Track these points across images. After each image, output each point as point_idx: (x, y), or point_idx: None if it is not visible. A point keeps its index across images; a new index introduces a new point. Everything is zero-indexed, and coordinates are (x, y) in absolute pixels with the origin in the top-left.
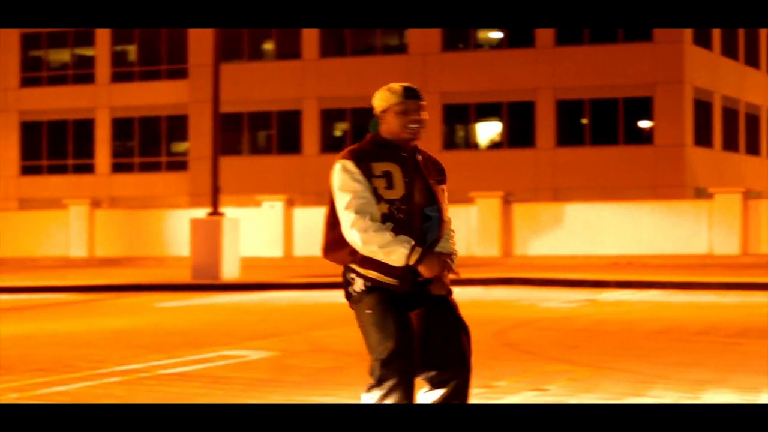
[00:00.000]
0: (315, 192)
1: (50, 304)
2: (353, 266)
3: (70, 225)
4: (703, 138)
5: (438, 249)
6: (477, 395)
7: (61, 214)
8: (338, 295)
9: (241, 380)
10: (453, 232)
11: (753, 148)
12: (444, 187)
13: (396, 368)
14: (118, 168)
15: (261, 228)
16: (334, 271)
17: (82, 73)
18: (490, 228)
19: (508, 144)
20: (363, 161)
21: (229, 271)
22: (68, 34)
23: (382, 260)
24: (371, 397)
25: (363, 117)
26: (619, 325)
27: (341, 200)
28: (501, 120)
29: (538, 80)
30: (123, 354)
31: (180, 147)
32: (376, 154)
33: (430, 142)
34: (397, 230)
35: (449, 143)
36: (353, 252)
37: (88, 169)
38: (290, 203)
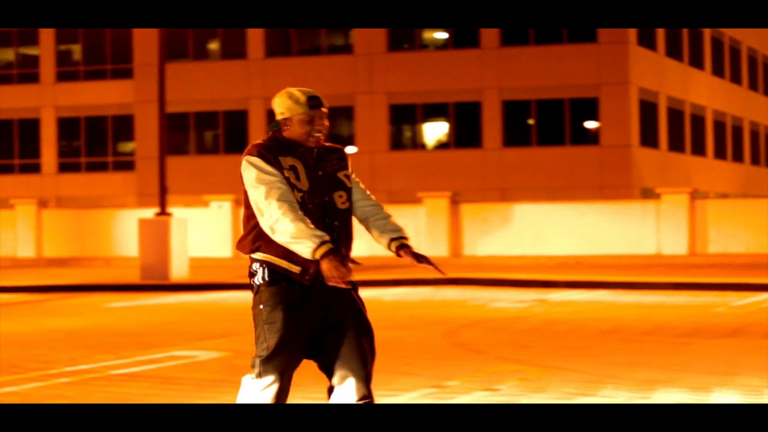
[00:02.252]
0: None
1: None
2: (257, 255)
3: (17, 225)
4: (648, 139)
5: (380, 228)
6: (428, 395)
7: (8, 214)
8: None
9: (192, 381)
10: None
11: (699, 149)
12: (346, 172)
13: (273, 366)
14: (64, 168)
15: (209, 228)
16: None
17: (26, 72)
18: (438, 228)
19: (455, 144)
20: (271, 155)
21: (178, 272)
22: (12, 33)
23: (294, 250)
24: (250, 383)
25: None
26: (568, 325)
27: (259, 193)
28: (447, 120)
29: (484, 81)
30: (72, 355)
31: (126, 147)
32: (280, 150)
33: (377, 142)
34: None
35: (396, 143)
36: (255, 240)
37: (35, 168)
38: (238, 203)
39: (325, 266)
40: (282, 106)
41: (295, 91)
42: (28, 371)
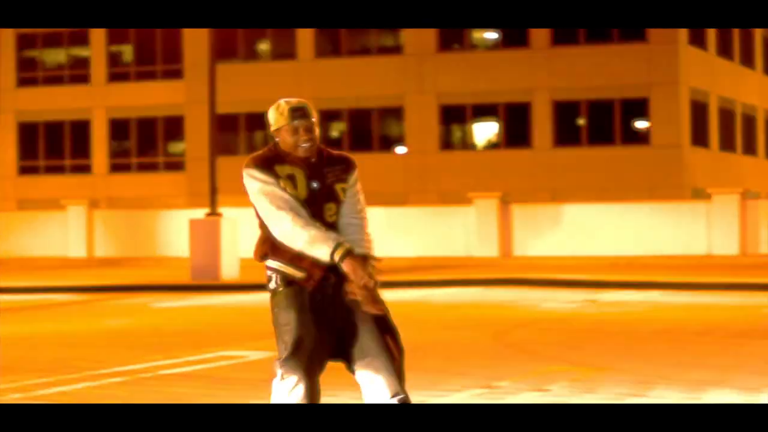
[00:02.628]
0: None
1: (50, 305)
2: (268, 263)
3: (68, 225)
4: (699, 138)
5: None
6: (478, 396)
7: (60, 215)
8: None
9: (243, 380)
10: (369, 234)
11: (750, 149)
12: (345, 185)
13: (294, 365)
14: (115, 168)
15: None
16: None
17: (77, 73)
18: (488, 229)
19: (505, 144)
20: (267, 166)
21: (229, 272)
22: (63, 35)
23: (310, 255)
24: (278, 387)
25: (359, 118)
26: (619, 326)
27: (262, 204)
28: (498, 120)
29: (534, 81)
30: (123, 354)
31: (177, 147)
32: (278, 160)
33: (427, 143)
34: None
35: (446, 144)
36: (262, 246)
37: (86, 169)
38: None
39: (348, 267)
40: (271, 118)
41: (282, 102)
42: (79, 371)
